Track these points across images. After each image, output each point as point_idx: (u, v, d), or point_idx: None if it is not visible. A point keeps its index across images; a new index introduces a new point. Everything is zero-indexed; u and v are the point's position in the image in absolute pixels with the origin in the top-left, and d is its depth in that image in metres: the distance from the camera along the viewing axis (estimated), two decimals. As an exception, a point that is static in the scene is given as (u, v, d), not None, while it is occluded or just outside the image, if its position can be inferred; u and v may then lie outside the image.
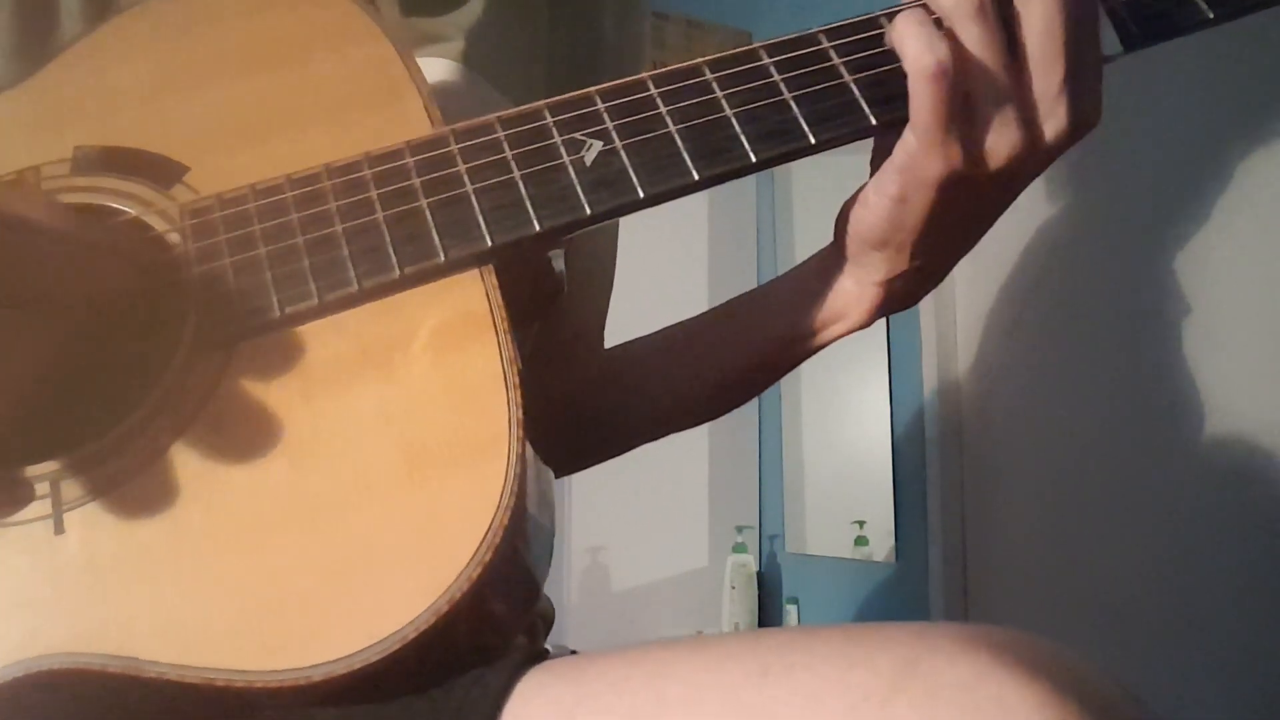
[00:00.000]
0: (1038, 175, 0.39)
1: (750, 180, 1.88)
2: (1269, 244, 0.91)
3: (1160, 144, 1.02)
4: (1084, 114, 0.38)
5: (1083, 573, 1.13)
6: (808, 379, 1.73)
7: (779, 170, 1.77)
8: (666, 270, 1.72)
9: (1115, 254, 1.08)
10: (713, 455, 1.81)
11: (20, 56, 0.46)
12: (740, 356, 0.50)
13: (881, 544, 1.51)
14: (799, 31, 0.40)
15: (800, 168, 1.54)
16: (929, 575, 1.38)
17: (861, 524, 1.55)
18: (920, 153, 0.37)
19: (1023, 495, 1.25)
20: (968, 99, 0.37)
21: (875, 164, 0.41)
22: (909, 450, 1.45)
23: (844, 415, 1.65)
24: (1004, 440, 1.29)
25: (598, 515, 1.73)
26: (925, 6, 0.38)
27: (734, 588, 1.71)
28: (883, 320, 1.64)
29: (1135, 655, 0.99)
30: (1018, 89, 0.37)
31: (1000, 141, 0.37)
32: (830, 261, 0.45)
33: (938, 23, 0.37)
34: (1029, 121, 0.37)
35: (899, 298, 0.44)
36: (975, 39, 0.36)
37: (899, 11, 0.38)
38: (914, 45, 0.36)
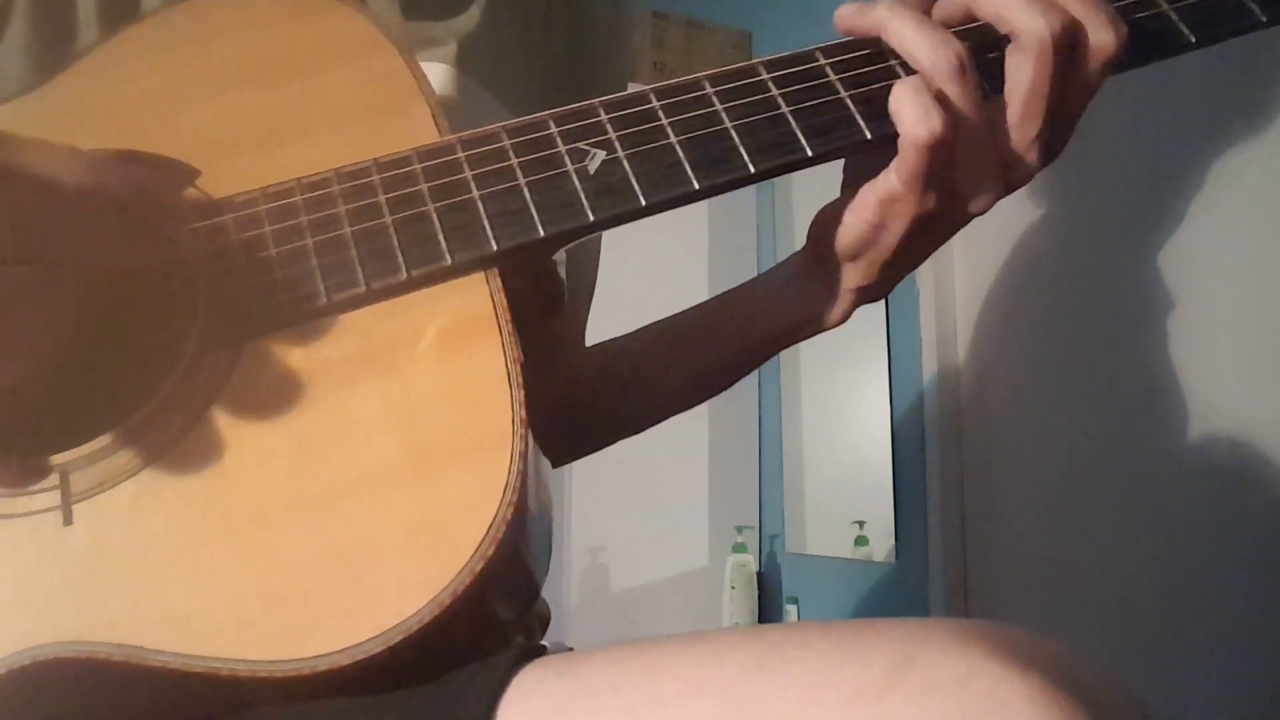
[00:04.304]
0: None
1: (750, 180, 1.89)
2: (1271, 238, 0.92)
3: (1162, 138, 1.02)
4: (1051, 155, 0.40)
5: (1083, 573, 1.13)
6: (808, 379, 1.74)
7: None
8: (666, 270, 1.73)
9: (1117, 254, 1.08)
10: (713, 455, 1.81)
11: (37, 63, 0.47)
12: (719, 354, 0.51)
13: (881, 544, 1.52)
14: (796, 50, 0.41)
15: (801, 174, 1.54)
16: (929, 575, 1.39)
17: (861, 524, 1.56)
18: (902, 196, 0.39)
19: (1023, 495, 1.25)
20: (951, 159, 0.38)
21: (848, 174, 0.42)
22: (909, 450, 1.46)
23: (844, 415, 1.65)
24: (1004, 440, 1.29)
25: (598, 515, 1.73)
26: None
27: (734, 588, 1.71)
28: (883, 320, 1.63)
29: (1135, 655, 1.00)
30: (995, 143, 0.38)
31: (978, 191, 0.39)
32: (805, 267, 0.47)
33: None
34: (1005, 169, 0.39)
35: (870, 298, 0.46)
36: (954, 97, 0.38)
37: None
38: (910, 112, 0.37)
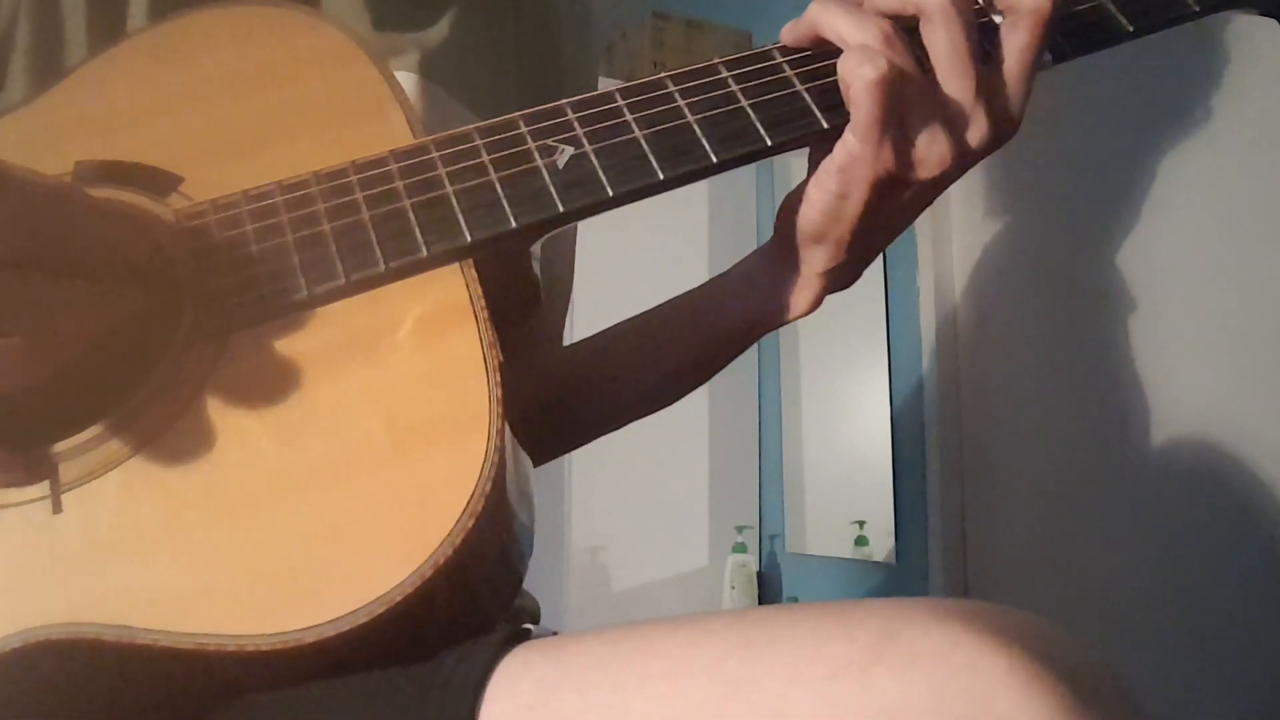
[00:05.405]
0: (961, 175, 0.43)
1: (750, 175, 1.89)
2: (1273, 240, 0.92)
3: (1165, 138, 1.03)
4: (1000, 121, 0.41)
5: (1083, 573, 1.13)
6: (808, 378, 1.74)
7: (778, 165, 1.78)
8: (666, 268, 1.74)
9: (1119, 254, 1.09)
10: (713, 455, 1.81)
11: (36, 82, 0.48)
12: (693, 347, 0.52)
13: (881, 544, 1.52)
14: (755, 49, 0.43)
15: (800, 167, 1.55)
16: (929, 575, 1.39)
17: (861, 524, 1.56)
18: (859, 154, 0.40)
19: (1023, 495, 1.26)
20: (899, 113, 0.40)
21: (813, 163, 0.44)
22: (909, 450, 1.46)
23: (844, 415, 1.65)
24: (1004, 440, 1.30)
25: (598, 515, 1.73)
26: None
27: (734, 588, 1.71)
28: (883, 320, 1.63)
29: (1135, 654, 1.00)
30: (937, 104, 0.40)
31: (930, 150, 0.40)
32: (774, 256, 0.48)
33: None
34: (954, 131, 0.40)
35: (838, 284, 0.47)
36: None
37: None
38: (854, 58, 0.39)
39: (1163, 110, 1.02)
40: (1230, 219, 0.97)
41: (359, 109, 0.42)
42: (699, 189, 1.84)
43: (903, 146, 0.40)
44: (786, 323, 0.49)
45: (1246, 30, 0.90)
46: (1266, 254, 0.93)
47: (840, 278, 0.46)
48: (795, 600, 1.70)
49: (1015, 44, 0.41)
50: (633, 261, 1.56)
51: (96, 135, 0.42)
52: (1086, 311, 1.14)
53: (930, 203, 0.44)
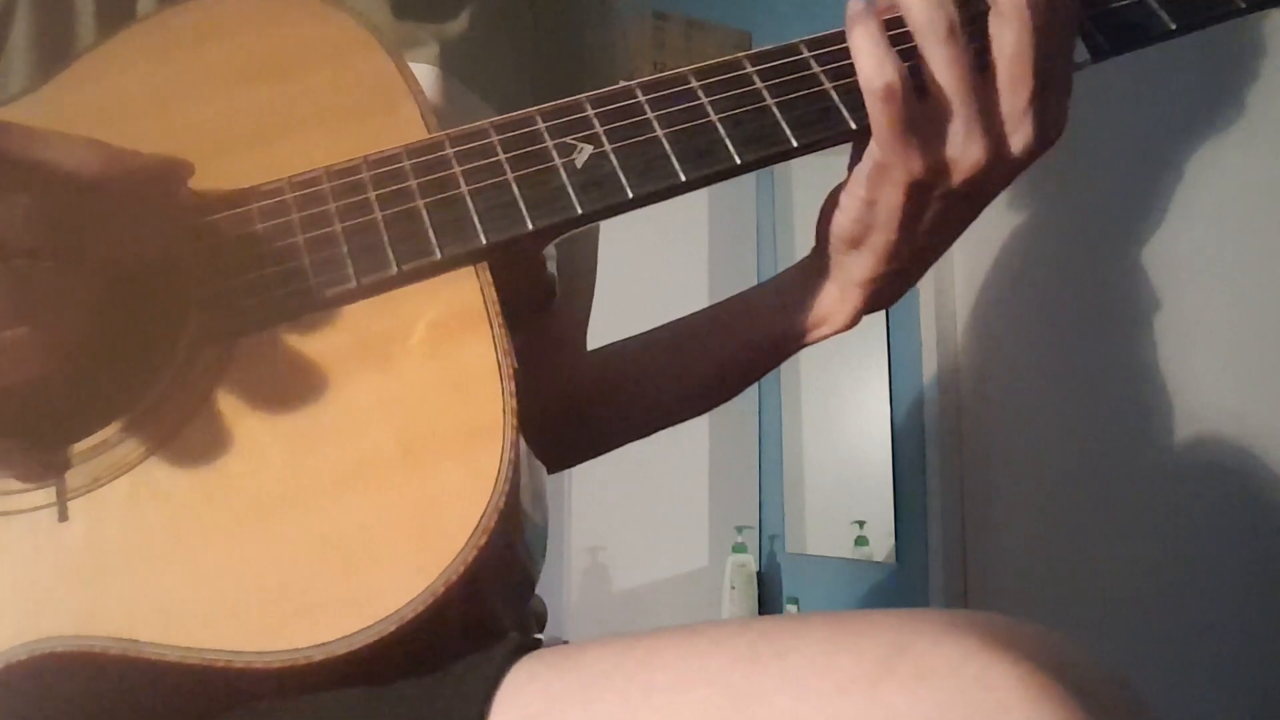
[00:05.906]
0: (1006, 185, 0.41)
1: (750, 180, 1.89)
2: (1269, 240, 0.92)
3: (1164, 141, 1.02)
4: (1049, 129, 0.40)
5: (1083, 573, 1.13)
6: (807, 379, 1.74)
7: (779, 170, 1.78)
8: (667, 270, 1.73)
9: (1117, 255, 1.08)
10: (713, 455, 1.81)
11: (40, 67, 0.47)
12: (725, 360, 0.51)
13: (881, 544, 1.52)
14: (780, 44, 0.41)
15: (800, 168, 1.54)
16: (929, 575, 1.39)
17: (861, 524, 1.56)
18: (884, 161, 0.39)
19: (1023, 496, 1.25)
20: (933, 114, 0.39)
21: (853, 166, 0.42)
22: (909, 450, 1.46)
23: (844, 415, 1.65)
24: (1004, 440, 1.29)
25: (598, 515, 1.73)
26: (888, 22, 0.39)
27: (734, 588, 1.71)
28: (883, 321, 1.63)
29: (1135, 655, 1.00)
30: (984, 106, 0.39)
31: (965, 154, 0.39)
32: (813, 266, 0.46)
33: (904, 36, 0.39)
34: (995, 136, 0.39)
35: (878, 299, 0.45)
36: (943, 59, 0.38)
37: (856, 24, 0.39)
38: (866, 65, 0.38)
39: (1164, 110, 1.01)
40: (1231, 221, 0.97)
41: (373, 101, 0.41)
42: (699, 190, 1.84)
43: (933, 151, 0.39)
44: (822, 338, 0.47)
45: (1269, 28, 0.89)
46: (1267, 256, 0.93)
47: (881, 292, 0.45)
48: (795, 601, 1.70)
49: (1058, 45, 0.39)
50: (631, 264, 1.55)
51: (104, 124, 0.41)
52: (1087, 313, 1.14)
53: (977, 214, 0.42)
